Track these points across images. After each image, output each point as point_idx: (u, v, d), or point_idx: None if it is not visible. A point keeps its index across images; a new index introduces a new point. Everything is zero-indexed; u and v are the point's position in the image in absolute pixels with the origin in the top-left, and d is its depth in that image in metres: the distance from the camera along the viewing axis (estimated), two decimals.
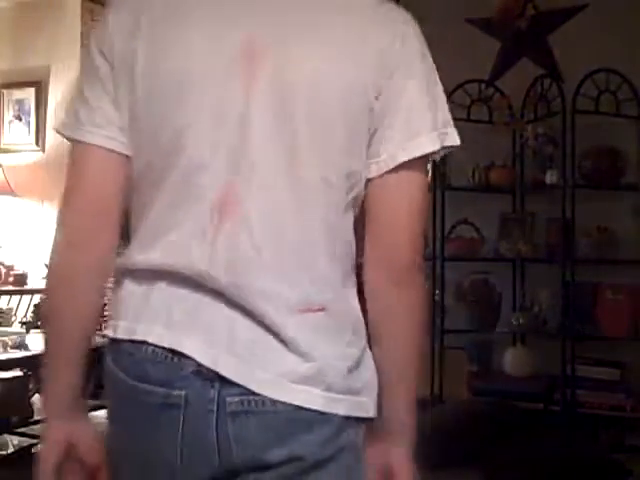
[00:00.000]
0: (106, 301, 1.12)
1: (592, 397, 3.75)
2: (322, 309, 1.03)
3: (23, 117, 5.57)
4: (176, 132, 1.02)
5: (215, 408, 1.00)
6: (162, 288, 1.04)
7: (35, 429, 3.85)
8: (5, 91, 5.61)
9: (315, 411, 1.01)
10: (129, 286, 1.07)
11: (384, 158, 1.03)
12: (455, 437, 3.23)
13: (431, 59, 1.11)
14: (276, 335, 1.01)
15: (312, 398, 1.01)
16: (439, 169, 3.92)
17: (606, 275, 3.93)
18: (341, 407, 1.03)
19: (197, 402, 1.00)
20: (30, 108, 5.55)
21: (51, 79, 5.58)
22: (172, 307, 1.03)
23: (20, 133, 5.54)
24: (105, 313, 1.11)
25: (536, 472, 3.09)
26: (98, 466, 1.12)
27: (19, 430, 3.76)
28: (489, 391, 3.91)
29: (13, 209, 5.27)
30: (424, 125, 1.05)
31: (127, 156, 1.07)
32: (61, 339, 1.11)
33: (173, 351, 1.01)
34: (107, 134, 1.07)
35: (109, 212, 1.09)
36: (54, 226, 1.16)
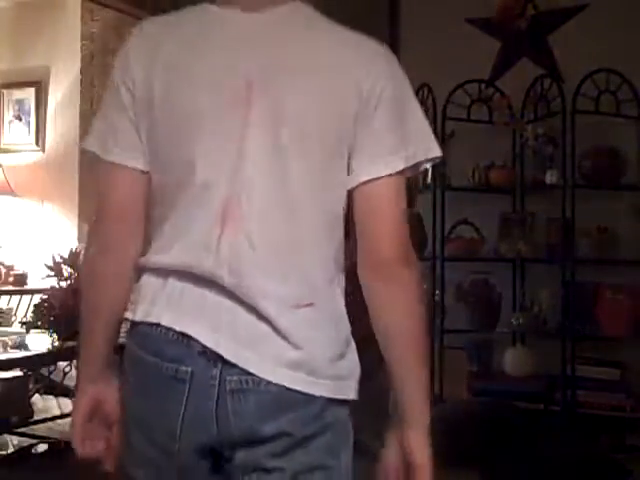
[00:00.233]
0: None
1: (592, 397, 3.75)
2: (310, 304, 1.19)
3: (23, 117, 5.57)
4: (187, 157, 1.21)
5: (217, 384, 1.17)
6: (175, 282, 1.21)
7: (35, 429, 3.85)
8: (5, 91, 5.61)
9: (300, 392, 1.17)
10: (148, 279, 1.25)
11: (359, 174, 1.22)
12: (455, 437, 3.23)
13: (406, 81, 1.25)
14: (271, 326, 1.17)
15: (298, 381, 1.17)
16: (439, 169, 3.92)
17: (606, 275, 3.94)
18: (324, 390, 1.18)
19: (201, 378, 1.17)
20: (30, 108, 5.55)
21: (51, 79, 5.57)
22: (183, 298, 1.21)
23: (20, 133, 5.54)
24: None
25: (536, 472, 3.09)
26: (115, 419, 1.32)
27: (19, 430, 3.76)
28: (489, 391, 3.91)
29: (13, 209, 5.27)
30: (391, 147, 1.22)
31: (147, 173, 1.27)
32: (93, 322, 1.33)
33: (183, 334, 1.18)
34: (131, 155, 1.26)
35: (135, 221, 1.29)
36: (88, 233, 1.39)
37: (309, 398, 1.17)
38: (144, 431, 1.22)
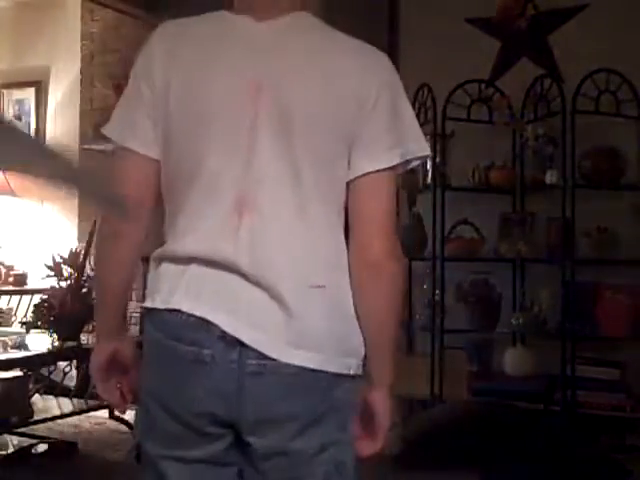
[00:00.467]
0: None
1: (592, 397, 3.74)
2: (322, 286, 1.30)
3: (23, 117, 5.57)
4: (200, 151, 1.31)
5: (237, 367, 1.26)
6: (194, 269, 1.30)
7: (35, 429, 3.85)
8: (5, 91, 5.62)
9: (314, 371, 1.27)
10: (166, 267, 1.33)
11: (356, 168, 1.33)
12: (455, 437, 3.23)
13: (401, 86, 1.38)
14: (286, 309, 1.27)
15: (312, 361, 1.27)
16: (439, 169, 3.92)
17: (606, 275, 3.94)
18: (335, 367, 1.29)
19: (221, 360, 1.26)
20: (30, 108, 5.55)
21: (51, 79, 5.58)
22: (202, 284, 1.29)
23: None
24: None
25: (536, 472, 3.09)
26: (131, 368, 1.49)
27: (19, 430, 3.76)
28: (489, 391, 3.91)
29: (13, 209, 5.27)
30: (386, 144, 1.33)
31: (159, 162, 1.37)
32: (105, 297, 1.49)
33: (203, 319, 1.27)
34: (147, 145, 1.36)
35: (146, 207, 1.39)
36: (101, 217, 1.49)
37: (322, 376, 1.28)
38: (163, 406, 1.32)
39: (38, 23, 5.49)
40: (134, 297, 5.41)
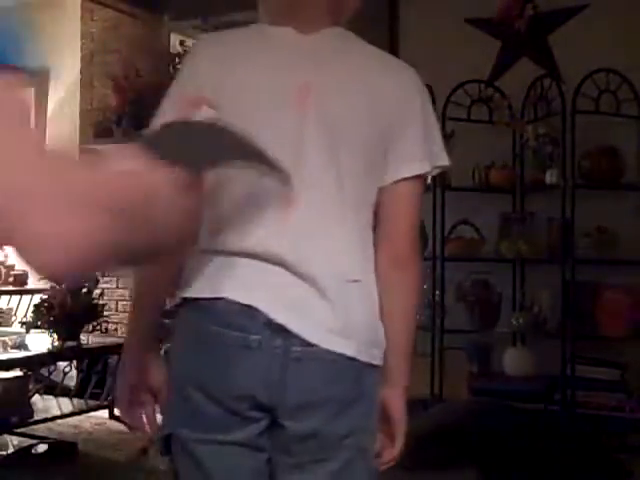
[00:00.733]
0: None
1: (592, 397, 3.75)
2: (358, 281, 1.40)
3: None
4: None
5: (281, 353, 1.33)
6: (239, 261, 1.36)
7: (35, 429, 3.85)
8: None
9: (350, 358, 1.36)
10: (210, 259, 1.38)
11: (390, 174, 1.44)
12: (455, 437, 3.23)
13: (429, 102, 1.50)
14: (327, 300, 1.36)
15: (349, 348, 1.36)
16: None
17: (606, 275, 3.94)
18: (366, 356, 1.38)
19: (267, 346, 1.33)
20: (30, 108, 5.54)
21: (51, 79, 5.58)
22: (248, 275, 1.36)
23: None
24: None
25: (536, 472, 3.09)
26: (159, 388, 1.50)
27: (19, 430, 3.76)
28: (489, 391, 3.91)
29: None
30: (420, 154, 1.46)
31: None
32: (147, 298, 1.51)
33: (248, 306, 1.33)
34: None
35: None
36: None
37: (355, 364, 1.37)
38: (204, 390, 1.36)
39: (38, 23, 5.49)
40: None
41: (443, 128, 4.00)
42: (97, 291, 4.02)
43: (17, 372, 3.68)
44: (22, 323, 4.15)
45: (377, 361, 1.42)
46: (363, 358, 1.38)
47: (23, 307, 4.87)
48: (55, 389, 4.21)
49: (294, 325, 1.34)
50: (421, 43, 4.33)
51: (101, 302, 4.07)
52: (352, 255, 1.41)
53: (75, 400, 4.17)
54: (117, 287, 5.40)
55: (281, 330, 1.33)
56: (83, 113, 5.46)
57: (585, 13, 4.05)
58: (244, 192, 1.39)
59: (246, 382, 1.35)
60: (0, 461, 3.57)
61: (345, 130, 1.40)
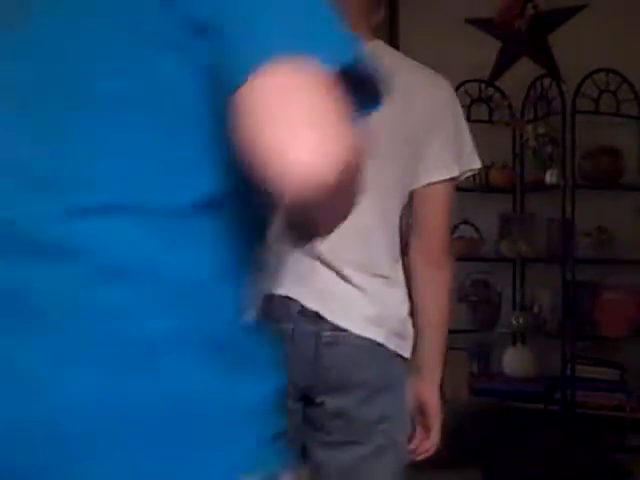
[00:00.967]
0: None
1: (592, 397, 3.74)
2: (386, 277, 1.50)
3: None
4: None
5: (314, 338, 1.43)
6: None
7: None
8: None
9: (381, 345, 1.45)
10: None
11: (421, 179, 1.53)
12: (455, 437, 3.23)
13: (459, 107, 1.62)
14: (358, 290, 1.44)
15: (380, 335, 1.45)
16: None
17: (606, 275, 3.93)
18: (392, 344, 1.47)
19: (301, 333, 1.43)
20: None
21: None
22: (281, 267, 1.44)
23: None
24: None
25: (536, 472, 3.09)
26: None
27: None
28: (489, 391, 3.91)
29: None
30: (450, 157, 1.55)
31: None
32: None
33: (284, 297, 1.42)
34: None
35: None
36: None
37: (384, 351, 1.46)
38: None
39: None
40: None
41: None
42: None
43: None
44: None
45: (405, 353, 1.51)
46: (391, 346, 1.47)
47: None
48: None
49: (326, 312, 1.43)
50: (421, 43, 4.32)
51: None
52: (383, 254, 1.51)
53: None
54: None
55: (314, 316, 1.43)
56: None
57: (585, 13, 4.05)
58: None
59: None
60: None
61: (384, 134, 1.41)
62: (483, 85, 4.21)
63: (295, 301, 1.43)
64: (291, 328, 1.43)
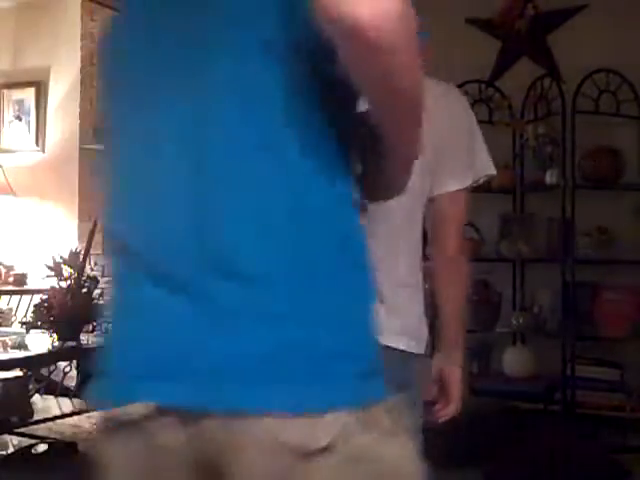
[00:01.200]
0: None
1: (592, 397, 3.75)
2: (411, 286, 1.64)
3: (23, 117, 5.57)
4: None
5: None
6: None
7: (35, 429, 3.85)
8: (5, 91, 5.61)
9: (402, 351, 1.58)
10: None
11: (438, 188, 1.68)
12: (455, 437, 3.23)
13: (473, 117, 1.83)
14: (384, 301, 1.44)
15: (401, 343, 1.58)
16: None
17: (606, 275, 3.94)
18: (415, 348, 1.63)
19: None
20: (30, 108, 5.55)
21: (51, 79, 5.57)
22: None
23: (20, 133, 5.54)
24: None
25: (536, 472, 3.09)
26: None
27: (19, 430, 3.76)
28: (489, 391, 3.91)
29: (13, 209, 5.27)
30: (464, 169, 1.72)
31: None
32: None
33: None
34: None
35: None
36: None
37: (404, 354, 1.59)
38: None
39: (38, 23, 5.49)
40: None
41: None
42: (97, 291, 4.01)
43: (17, 372, 3.68)
44: (22, 323, 4.14)
45: (420, 350, 1.64)
46: (410, 350, 1.61)
47: (23, 307, 4.87)
48: (55, 389, 4.20)
49: None
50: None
51: (101, 302, 4.06)
52: (409, 264, 1.64)
53: (75, 400, 4.16)
54: None
55: None
56: (83, 113, 5.45)
57: (585, 13, 4.05)
58: None
59: None
60: (0, 461, 3.57)
61: None
62: (483, 85, 4.21)
63: None
64: None
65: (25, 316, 4.57)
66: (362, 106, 1.13)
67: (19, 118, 5.57)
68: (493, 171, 1.80)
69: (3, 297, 4.94)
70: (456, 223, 1.73)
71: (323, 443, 0.90)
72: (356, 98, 1.00)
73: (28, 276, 4.97)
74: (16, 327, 4.48)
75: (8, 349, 3.71)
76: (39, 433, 3.88)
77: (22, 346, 3.79)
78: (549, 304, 4.01)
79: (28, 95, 5.55)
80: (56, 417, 3.96)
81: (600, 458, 3.32)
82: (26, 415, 3.64)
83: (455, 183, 1.70)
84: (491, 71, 4.27)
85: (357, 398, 0.94)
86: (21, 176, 5.27)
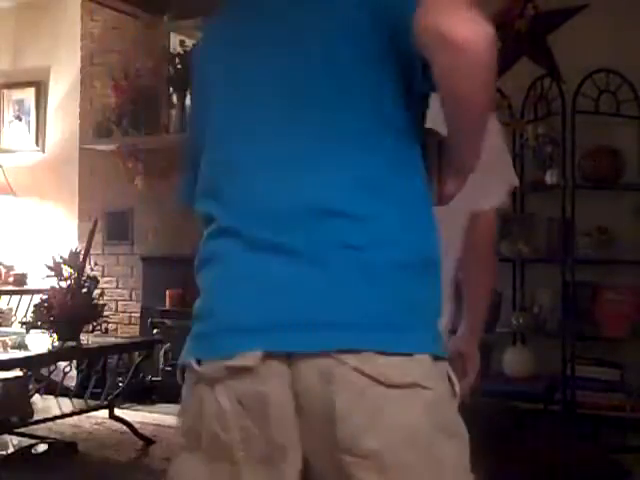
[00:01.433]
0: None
1: (592, 397, 3.74)
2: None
3: (23, 117, 5.57)
4: None
5: None
6: None
7: (35, 429, 3.85)
8: (5, 91, 5.62)
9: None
10: None
11: (477, 204, 1.81)
12: None
13: (502, 135, 1.96)
14: None
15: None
16: None
17: (606, 275, 3.94)
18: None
19: None
20: (30, 108, 5.56)
21: (51, 79, 5.58)
22: None
23: (20, 133, 5.55)
24: None
25: (536, 472, 3.09)
26: None
27: (19, 430, 3.76)
28: (489, 391, 3.90)
29: (13, 209, 5.28)
30: (498, 188, 1.97)
31: None
32: None
33: None
34: None
35: None
36: None
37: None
38: None
39: (38, 23, 5.49)
40: (134, 297, 5.42)
41: None
42: (97, 291, 4.02)
43: (17, 372, 3.68)
44: (22, 323, 4.15)
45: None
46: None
47: (23, 307, 4.87)
48: (55, 389, 4.20)
49: None
50: None
51: (101, 302, 4.07)
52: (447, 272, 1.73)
53: (75, 400, 4.16)
54: (117, 287, 5.41)
55: None
56: (83, 113, 5.46)
57: (585, 13, 4.05)
58: None
59: None
60: (0, 461, 3.57)
61: None
62: None
63: None
64: None
65: (25, 316, 4.58)
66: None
67: (19, 118, 5.57)
68: (516, 182, 2.02)
69: (3, 297, 4.95)
70: (490, 235, 1.94)
71: (409, 379, 1.13)
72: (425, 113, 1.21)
73: (28, 276, 4.98)
74: (16, 327, 4.49)
75: (8, 349, 3.71)
76: (39, 433, 3.88)
77: (22, 346, 3.80)
78: (549, 304, 4.01)
79: (28, 95, 5.56)
80: (56, 417, 3.96)
81: (600, 458, 3.31)
82: (26, 415, 3.64)
83: (490, 201, 1.87)
84: None
85: (437, 349, 1.18)
86: (21, 176, 5.28)
